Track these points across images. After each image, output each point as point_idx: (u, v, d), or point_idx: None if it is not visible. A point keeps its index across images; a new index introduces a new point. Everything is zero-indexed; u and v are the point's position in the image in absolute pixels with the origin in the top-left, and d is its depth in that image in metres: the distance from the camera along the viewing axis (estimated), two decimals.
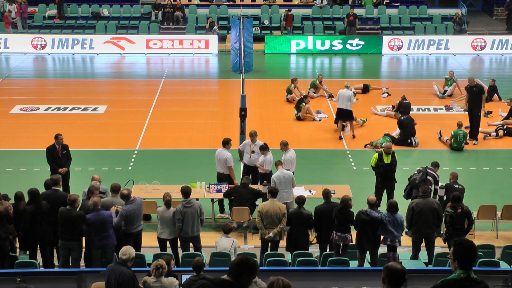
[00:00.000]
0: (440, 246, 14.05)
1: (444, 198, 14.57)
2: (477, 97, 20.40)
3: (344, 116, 20.73)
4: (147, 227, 14.18)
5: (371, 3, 35.58)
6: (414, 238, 13.14)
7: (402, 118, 20.69)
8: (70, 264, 12.42)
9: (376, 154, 15.95)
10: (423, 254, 13.20)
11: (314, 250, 13.28)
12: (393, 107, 23.16)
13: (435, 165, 15.35)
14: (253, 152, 16.26)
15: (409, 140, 20.35)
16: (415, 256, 13.09)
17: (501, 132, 21.28)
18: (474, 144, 20.53)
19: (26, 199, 12.72)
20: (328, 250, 13.03)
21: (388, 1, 36.17)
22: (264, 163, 15.91)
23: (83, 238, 12.50)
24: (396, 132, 20.80)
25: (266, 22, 34.76)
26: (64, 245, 12.31)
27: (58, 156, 15.99)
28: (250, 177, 15.97)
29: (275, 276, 6.17)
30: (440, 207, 13.26)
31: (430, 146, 20.60)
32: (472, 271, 6.02)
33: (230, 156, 15.91)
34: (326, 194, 13.24)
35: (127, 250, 9.63)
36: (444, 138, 20.56)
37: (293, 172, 15.65)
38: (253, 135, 16.49)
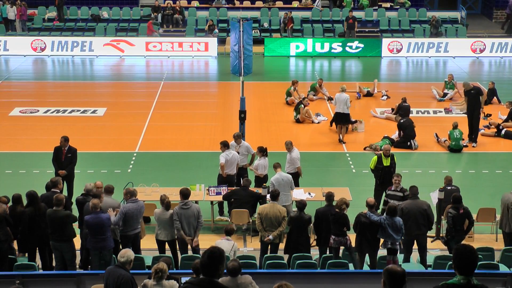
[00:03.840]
0: (439, 248, 14.06)
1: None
2: (475, 99, 20.45)
3: (342, 120, 20.72)
4: (146, 229, 14.12)
5: (350, 6, 35.59)
6: (405, 240, 13.13)
7: (402, 120, 20.70)
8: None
9: (375, 157, 15.95)
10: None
11: (314, 253, 13.26)
12: (392, 110, 23.17)
13: (399, 175, 14.76)
14: (237, 153, 16.27)
15: (408, 143, 20.35)
16: (406, 258, 13.07)
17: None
18: (473, 146, 20.54)
19: (24, 201, 12.72)
20: (328, 253, 13.01)
21: (388, 6, 36.18)
22: (258, 167, 15.94)
23: (75, 239, 12.51)
24: (395, 134, 20.81)
25: (266, 25, 34.77)
26: (54, 246, 12.34)
27: (60, 158, 16.02)
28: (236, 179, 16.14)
29: (282, 281, 6.27)
30: (430, 209, 13.18)
31: (429, 149, 20.60)
32: (473, 277, 5.98)
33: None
34: (329, 197, 13.19)
35: (126, 253, 9.64)
36: (442, 139, 20.57)
37: (299, 167, 16.01)
38: (237, 137, 16.54)
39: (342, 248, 12.77)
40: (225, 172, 15.88)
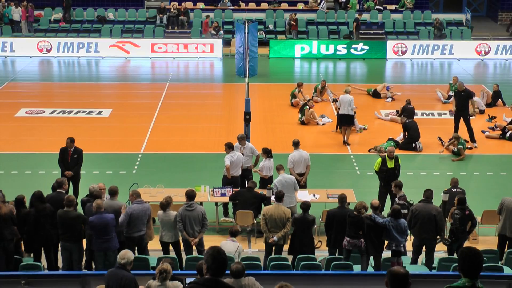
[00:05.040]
0: (443, 250, 14.04)
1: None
2: (465, 101, 20.64)
3: (345, 121, 20.73)
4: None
5: (355, 8, 35.66)
6: (414, 242, 13.14)
7: (407, 121, 20.73)
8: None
9: (380, 159, 15.96)
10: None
11: (318, 254, 13.26)
12: (397, 111, 23.15)
13: (398, 185, 14.34)
14: (242, 155, 16.29)
15: (413, 145, 20.33)
16: (414, 260, 13.07)
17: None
18: (475, 147, 20.53)
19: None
20: (337, 254, 12.98)
21: (394, 9, 36.20)
22: (262, 168, 15.96)
23: (84, 241, 12.53)
24: (400, 136, 20.80)
25: (271, 27, 34.78)
26: (64, 246, 12.38)
27: (67, 159, 16.08)
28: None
29: (283, 282, 6.27)
30: (440, 215, 13.09)
31: (434, 151, 20.56)
32: (478, 280, 5.97)
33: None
34: (342, 199, 13.13)
35: (125, 254, 9.59)
36: (446, 144, 20.49)
37: (290, 169, 15.87)
38: (241, 139, 16.57)
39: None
40: (230, 174, 15.90)
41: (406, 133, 20.54)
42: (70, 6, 34.73)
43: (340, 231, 12.81)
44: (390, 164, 15.72)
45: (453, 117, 21.24)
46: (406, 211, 13.37)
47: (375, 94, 25.78)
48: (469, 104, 20.84)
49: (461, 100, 20.67)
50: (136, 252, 12.70)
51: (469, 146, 20.59)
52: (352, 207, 13.23)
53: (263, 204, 14.69)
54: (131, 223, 12.60)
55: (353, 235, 12.51)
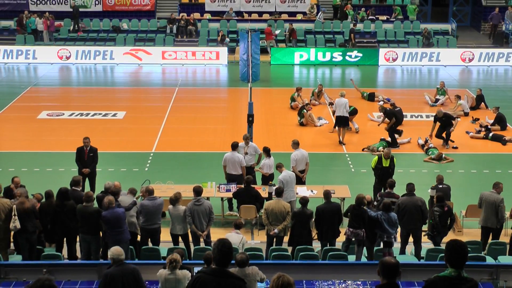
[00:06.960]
0: (430, 242, 14.04)
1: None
2: (449, 122, 20.26)
3: (341, 122, 20.73)
4: (161, 223, 14.15)
5: (352, 16, 35.65)
6: (401, 233, 13.13)
7: (393, 109, 20.95)
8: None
9: (377, 157, 15.99)
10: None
11: (316, 245, 13.25)
12: None
13: (389, 184, 14.25)
14: (246, 153, 16.28)
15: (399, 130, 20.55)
16: (402, 250, 13.06)
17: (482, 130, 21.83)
18: (446, 148, 20.38)
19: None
20: (328, 246, 12.97)
21: (385, 18, 36.19)
22: (263, 166, 15.95)
23: (101, 233, 12.57)
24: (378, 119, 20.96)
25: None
26: (83, 238, 12.42)
27: (83, 157, 16.10)
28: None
29: (280, 272, 6.28)
30: (424, 205, 13.15)
31: (423, 150, 20.51)
32: (464, 270, 5.98)
33: (242, 157, 16.08)
34: (327, 194, 13.14)
35: (121, 250, 9.26)
36: (429, 144, 20.41)
37: (293, 167, 15.84)
38: (246, 139, 16.55)
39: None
40: (230, 172, 15.85)
41: (393, 119, 20.42)
42: (76, 16, 34.77)
43: (330, 224, 12.78)
44: (385, 163, 15.73)
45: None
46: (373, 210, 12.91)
47: (370, 98, 25.75)
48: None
49: (444, 123, 20.36)
50: (150, 243, 12.77)
51: (454, 146, 20.57)
52: (348, 202, 13.23)
53: (265, 200, 14.69)
54: (145, 216, 12.65)
55: (355, 226, 12.52)
